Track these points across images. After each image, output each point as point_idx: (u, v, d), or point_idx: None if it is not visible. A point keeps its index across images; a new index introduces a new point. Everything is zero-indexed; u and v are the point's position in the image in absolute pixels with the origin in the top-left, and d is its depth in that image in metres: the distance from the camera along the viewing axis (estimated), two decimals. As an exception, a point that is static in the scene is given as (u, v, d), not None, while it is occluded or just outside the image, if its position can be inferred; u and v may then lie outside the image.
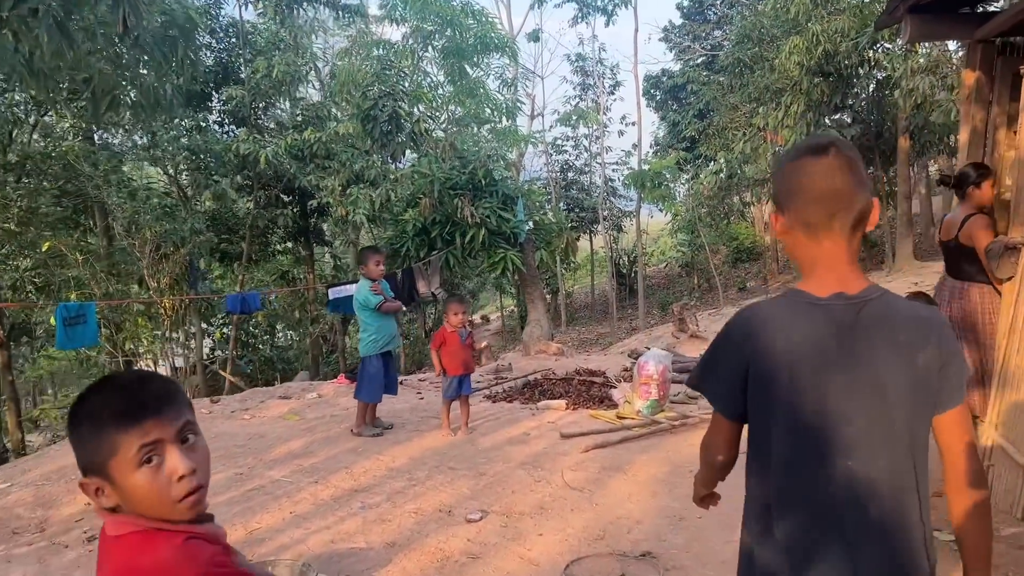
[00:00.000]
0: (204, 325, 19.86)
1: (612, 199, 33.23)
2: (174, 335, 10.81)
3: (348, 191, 14.09)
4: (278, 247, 19.61)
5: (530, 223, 14.05)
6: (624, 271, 34.59)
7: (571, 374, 9.13)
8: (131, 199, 9.95)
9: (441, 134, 15.38)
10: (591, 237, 34.38)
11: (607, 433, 6.69)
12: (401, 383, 10.29)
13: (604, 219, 31.60)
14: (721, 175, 25.63)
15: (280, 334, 22.55)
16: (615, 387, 8.30)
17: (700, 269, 30.54)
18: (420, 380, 10.47)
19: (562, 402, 7.92)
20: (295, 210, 17.62)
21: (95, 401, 1.37)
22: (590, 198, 32.67)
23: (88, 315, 9.14)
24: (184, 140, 12.20)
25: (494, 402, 8.37)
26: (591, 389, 8.39)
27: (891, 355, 1.58)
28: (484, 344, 6.80)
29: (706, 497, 2.06)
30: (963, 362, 1.64)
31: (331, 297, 11.70)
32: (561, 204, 32.68)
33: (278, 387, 10.50)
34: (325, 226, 19.97)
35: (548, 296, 34.40)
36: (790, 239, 1.69)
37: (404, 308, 7.03)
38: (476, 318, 38.53)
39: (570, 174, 33.96)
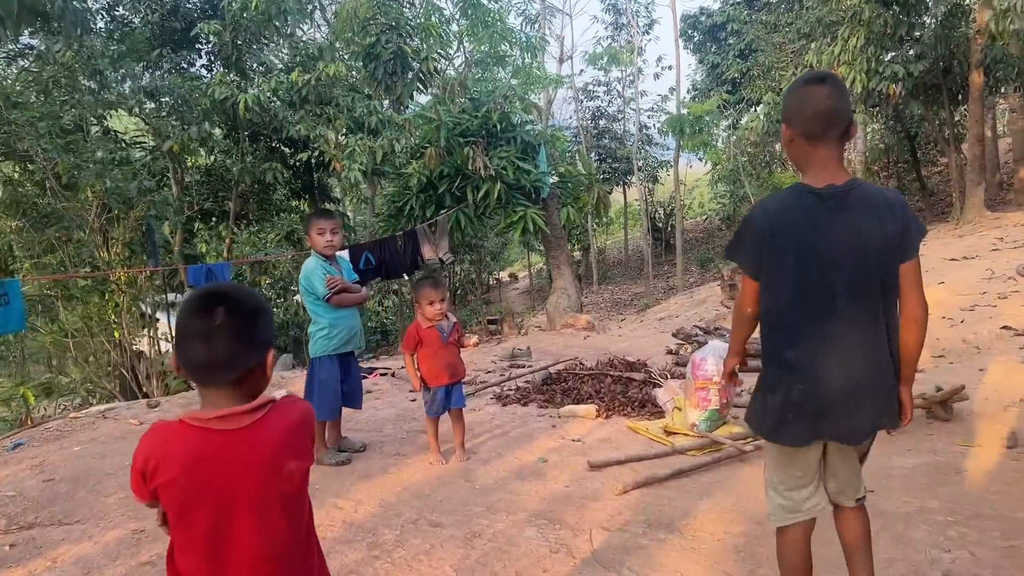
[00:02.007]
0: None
1: (647, 148, 31.22)
2: (130, 315, 9.15)
3: (345, 142, 12.23)
4: (281, 206, 17.84)
5: (554, 175, 12.09)
6: (660, 225, 32.67)
7: (603, 366, 7.25)
8: (65, 151, 8.22)
9: (453, 74, 13.38)
10: (625, 189, 32.44)
11: (652, 459, 4.93)
12: (392, 375, 8.52)
13: (639, 170, 29.55)
14: (767, 118, 23.37)
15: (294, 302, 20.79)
16: (660, 385, 6.44)
17: (743, 222, 28.23)
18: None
19: (591, 407, 6.09)
20: (298, 164, 15.80)
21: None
22: (624, 147, 30.61)
23: (10, 295, 7.48)
24: (142, 82, 10.38)
25: (504, 405, 6.57)
26: (628, 389, 6.53)
27: (869, 223, 2.36)
28: (474, 340, 4.84)
29: (733, 373, 3.00)
30: (920, 227, 2.39)
31: (318, 266, 9.92)
32: (592, 154, 30.63)
33: None
34: (334, 181, 18.17)
35: (579, 253, 32.56)
36: (794, 147, 2.49)
37: (371, 295, 5.20)
38: (504, 275, 36.86)
39: (602, 122, 31.98)
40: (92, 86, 8.96)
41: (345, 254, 5.55)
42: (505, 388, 7.12)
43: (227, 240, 13.81)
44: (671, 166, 29.17)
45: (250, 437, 1.70)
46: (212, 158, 16.74)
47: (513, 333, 15.50)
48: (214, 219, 16.25)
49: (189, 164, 17.13)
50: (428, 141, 11.19)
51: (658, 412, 5.99)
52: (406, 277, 11.17)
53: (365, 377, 7.70)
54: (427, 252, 10.60)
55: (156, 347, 10.50)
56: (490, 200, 11.01)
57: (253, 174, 12.67)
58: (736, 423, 5.55)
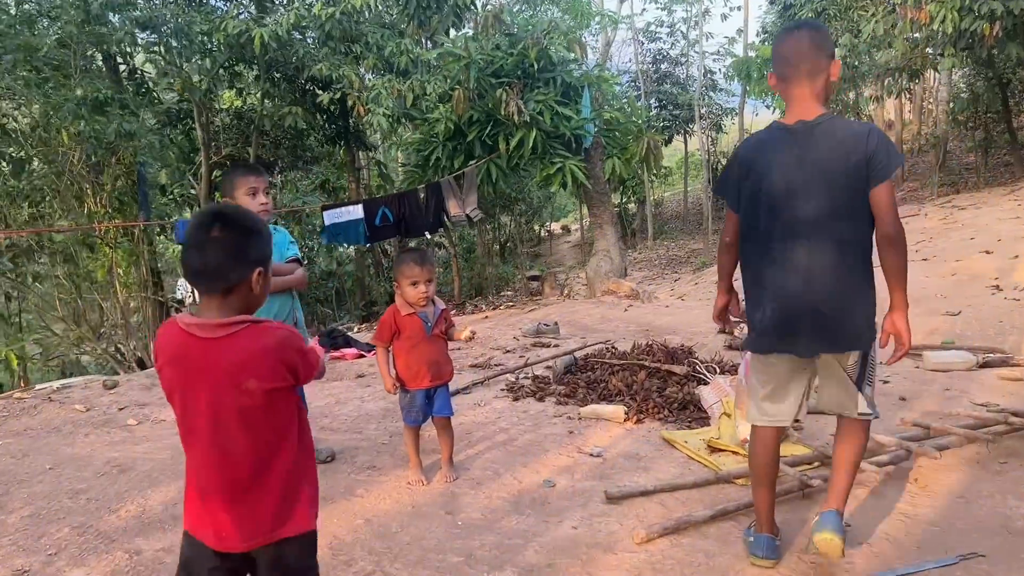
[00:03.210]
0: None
1: (711, 94, 29.30)
2: (129, 274, 8.30)
3: (371, 84, 11.07)
4: (314, 153, 16.88)
5: (598, 122, 10.77)
6: (722, 177, 30.77)
7: (638, 353, 6.06)
8: (33, 88, 7.27)
9: (492, 6, 12.05)
10: (686, 138, 30.64)
11: (690, 489, 3.82)
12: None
13: (701, 117, 27.70)
14: (843, 62, 21.46)
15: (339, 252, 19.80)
16: (706, 381, 5.27)
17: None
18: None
19: (619, 409, 4.95)
20: (332, 108, 14.76)
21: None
22: (686, 93, 28.81)
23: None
24: (134, 12, 9.31)
25: (516, 399, 5.48)
26: (667, 385, 5.36)
27: (833, 154, 2.58)
28: (467, 332, 3.61)
29: (723, 311, 3.22)
30: (893, 154, 2.56)
31: (327, 222, 8.90)
32: (652, 101, 28.90)
33: None
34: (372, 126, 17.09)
35: (633, 205, 31.04)
36: (777, 89, 2.76)
37: (306, 283, 3.99)
38: (555, 227, 35.58)
39: (663, 66, 30.15)
40: (77, 16, 7.97)
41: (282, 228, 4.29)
42: (521, 376, 6.02)
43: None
44: (736, 114, 27.35)
45: (218, 348, 1.86)
46: (241, 100, 15.82)
47: (554, 294, 14.37)
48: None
49: (225, 107, 16.26)
50: (457, 82, 9.95)
51: (702, 418, 4.84)
52: (428, 236, 10.08)
53: (339, 356, 6.60)
54: (452, 208, 9.49)
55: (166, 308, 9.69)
56: (524, 150, 9.77)
57: (273, 118, 11.61)
58: (801, 441, 4.38)
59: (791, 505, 3.58)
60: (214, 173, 12.44)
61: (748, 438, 4.31)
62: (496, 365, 6.57)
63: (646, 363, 5.58)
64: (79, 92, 7.64)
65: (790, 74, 2.65)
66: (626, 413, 4.93)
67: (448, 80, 10.36)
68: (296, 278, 4.07)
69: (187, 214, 10.90)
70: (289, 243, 4.06)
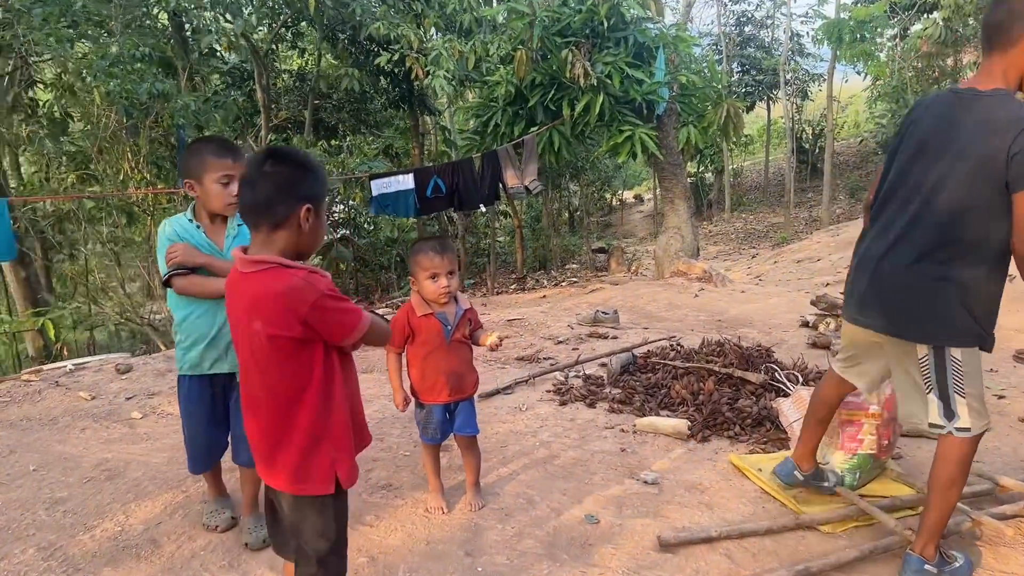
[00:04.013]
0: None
1: (798, 58, 27.70)
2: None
3: (431, 44, 10.38)
4: (378, 117, 16.33)
5: (673, 86, 9.85)
6: (807, 146, 29.38)
7: (708, 352, 5.28)
8: (65, 43, 6.78)
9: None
10: (769, 105, 29.17)
11: (762, 536, 3.14)
12: None
13: (786, 83, 26.17)
14: (945, 26, 19.85)
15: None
16: (787, 392, 4.49)
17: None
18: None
19: (681, 423, 4.23)
20: (396, 71, 14.16)
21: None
22: (770, 57, 27.28)
23: (-2, 217, 6.32)
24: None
25: (563, 403, 4.79)
26: (740, 395, 4.59)
27: (977, 133, 2.35)
28: (493, 338, 2.89)
29: None
30: None
31: (374, 192, 8.31)
32: (734, 65, 27.46)
33: None
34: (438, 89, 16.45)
35: (711, 175, 29.75)
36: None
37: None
38: (628, 195, 34.52)
39: (747, 28, 28.55)
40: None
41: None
42: (571, 374, 5.33)
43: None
44: (824, 80, 25.70)
45: (244, 283, 1.92)
46: (304, 62, 15.35)
47: (621, 269, 13.59)
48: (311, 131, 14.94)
49: (287, 68, 15.84)
50: (520, 42, 9.18)
51: (781, 439, 4.09)
52: (483, 209, 9.40)
53: None
54: (510, 179, 8.78)
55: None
56: (591, 116, 8.97)
57: (329, 80, 11.04)
58: (902, 478, 3.59)
59: (893, 565, 2.86)
60: (287, 136, 12.00)
61: (837, 471, 3.58)
62: (545, 359, 5.89)
63: (715, 367, 4.81)
64: (114, 49, 7.22)
65: (984, 44, 2.48)
66: (689, 429, 4.21)
67: (512, 40, 9.60)
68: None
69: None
70: (246, 238, 3.37)
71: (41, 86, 8.22)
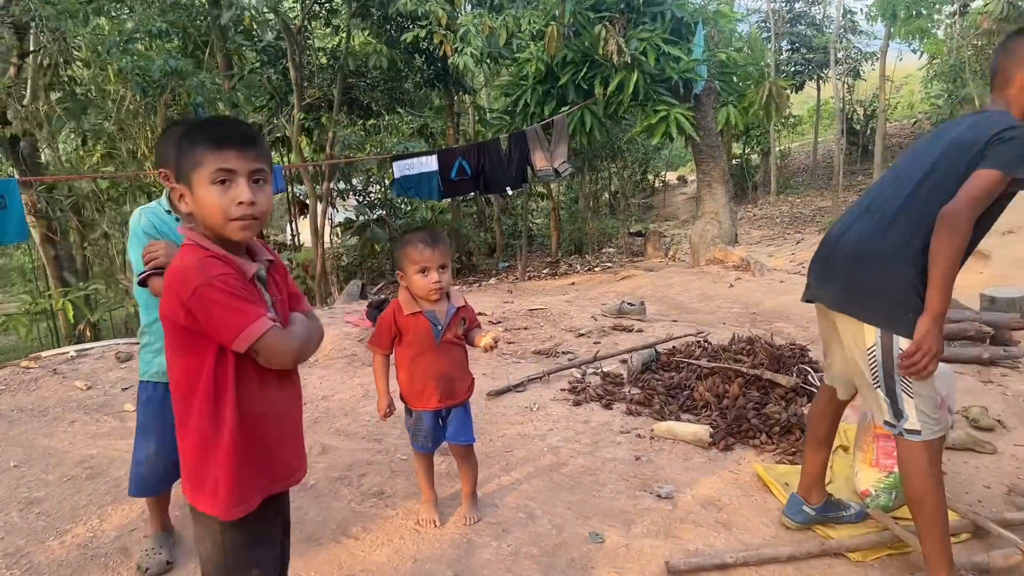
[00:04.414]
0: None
1: (850, 36, 26.68)
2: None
3: (460, 19, 10.04)
4: (412, 96, 16.05)
5: (712, 64, 9.38)
6: (857, 128, 28.38)
7: (737, 349, 4.91)
8: (79, 19, 6.58)
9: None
10: (819, 84, 28.21)
11: (784, 563, 2.83)
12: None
13: (837, 62, 25.24)
14: (1007, 1, 18.89)
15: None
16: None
17: (960, 129, 23.52)
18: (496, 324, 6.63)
19: (702, 430, 3.90)
20: (430, 48, 13.86)
21: (195, 127, 1.72)
22: (821, 35, 26.35)
23: (8, 197, 6.18)
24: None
25: (577, 403, 4.49)
26: (768, 400, 4.23)
27: (965, 128, 2.39)
28: (489, 338, 2.57)
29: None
30: (1014, 146, 2.22)
31: (397, 174, 8.04)
32: (783, 43, 26.58)
33: None
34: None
35: (757, 156, 28.94)
36: None
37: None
38: (671, 177, 33.83)
39: (798, 4, 27.55)
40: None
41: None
42: (588, 372, 5.01)
43: (330, 133, 12.15)
44: (877, 58, 24.75)
45: None
46: (337, 39, 15.12)
47: (657, 255, 13.18)
48: (344, 110, 14.71)
49: (328, 46, 15.60)
50: (552, 17, 8.80)
51: (810, 450, 3.72)
52: (510, 192, 9.08)
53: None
54: (538, 161, 8.44)
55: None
56: (624, 95, 8.57)
57: (359, 57, 10.78)
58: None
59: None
60: (320, 115, 11.80)
61: (870, 490, 3.24)
62: (564, 353, 5.58)
63: (743, 368, 4.45)
64: (129, 25, 7.04)
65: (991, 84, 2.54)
66: (711, 436, 3.88)
67: (544, 15, 9.22)
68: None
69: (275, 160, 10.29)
70: None
71: (79, 64, 8.10)
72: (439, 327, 2.91)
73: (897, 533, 2.87)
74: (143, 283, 2.58)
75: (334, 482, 3.57)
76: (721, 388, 4.37)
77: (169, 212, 2.68)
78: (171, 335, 1.72)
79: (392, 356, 3.05)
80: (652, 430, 4.03)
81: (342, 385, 4.92)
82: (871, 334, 2.42)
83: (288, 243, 20.29)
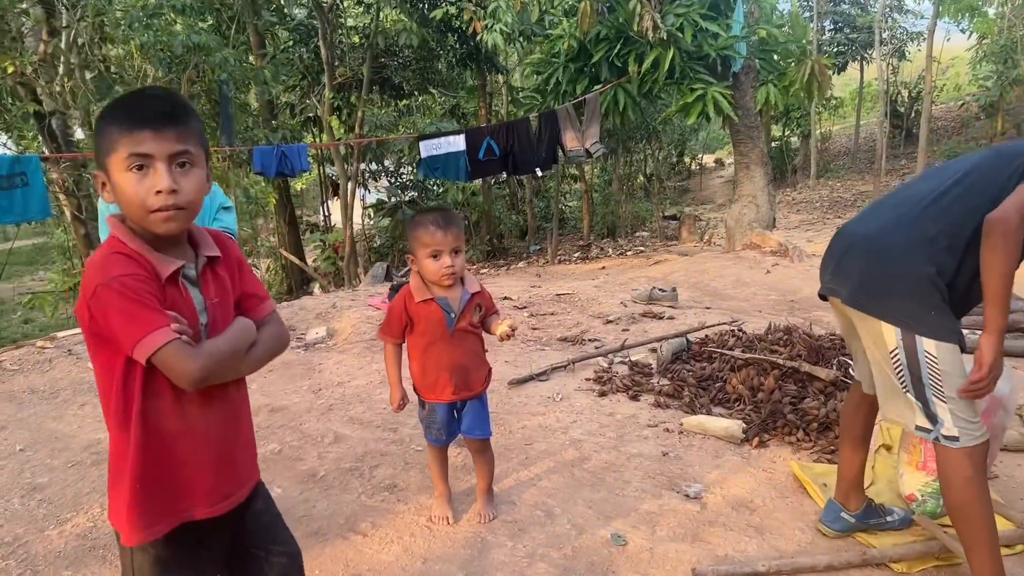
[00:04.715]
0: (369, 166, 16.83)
1: (895, 15, 25.85)
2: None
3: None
4: (444, 76, 15.86)
5: (751, 40, 9.03)
6: (901, 110, 27.58)
7: (773, 340, 4.66)
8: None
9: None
10: (862, 65, 27.47)
11: (820, 574, 2.62)
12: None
13: (882, 42, 24.46)
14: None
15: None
16: (860, 392, 3.86)
17: (1008, 112, 22.74)
18: (519, 309, 6.43)
19: (735, 425, 3.67)
20: (462, 26, 13.64)
21: (111, 105, 1.48)
22: (866, 14, 25.57)
23: (29, 174, 6.11)
24: None
25: (603, 394, 4.28)
26: (805, 394, 3.99)
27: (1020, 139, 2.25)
28: (505, 327, 2.37)
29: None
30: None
31: (423, 154, 7.85)
32: (826, 22, 25.87)
33: (297, 302, 6.95)
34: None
35: (796, 139, 28.29)
36: None
37: None
38: (708, 160, 33.27)
39: (842, -18, 26.79)
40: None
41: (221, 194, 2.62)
42: (616, 361, 4.79)
43: (359, 112, 11.99)
44: (924, 38, 23.98)
45: None
46: (369, 17, 14.96)
47: (692, 239, 12.87)
48: (375, 90, 14.56)
49: (361, 24, 15.44)
50: (585, -8, 8.52)
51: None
52: (539, 173, 8.84)
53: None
54: (569, 141, 8.20)
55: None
56: (660, 73, 8.28)
57: (389, 36, 10.59)
58: (997, 506, 2.97)
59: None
60: (350, 95, 11.67)
61: (916, 495, 3.02)
62: (590, 340, 5.37)
63: (780, 360, 4.21)
64: (152, 0, 6.92)
65: None
66: (744, 432, 3.65)
67: (575, -10, 8.95)
68: None
69: (278, 140, 10.18)
70: (219, 208, 2.78)
71: (107, 42, 8.01)
72: (452, 315, 2.73)
73: (945, 543, 2.64)
74: None
75: (345, 473, 3.41)
76: (756, 380, 4.13)
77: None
78: (85, 337, 1.54)
79: (405, 345, 2.88)
80: (681, 424, 3.82)
81: (359, 371, 4.77)
82: (891, 334, 2.23)
83: (321, 224, 20.30)
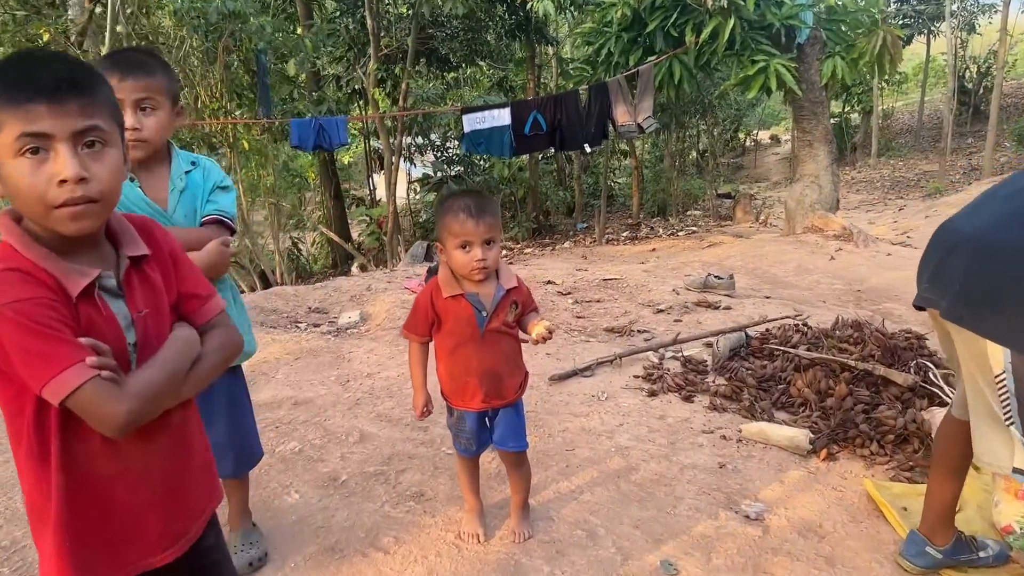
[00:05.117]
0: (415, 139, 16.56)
1: (967, -13, 24.67)
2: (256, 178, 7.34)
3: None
4: (492, 48, 15.45)
5: (818, 10, 8.48)
6: (969, 86, 26.34)
7: (842, 336, 4.24)
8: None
9: None
10: (929, 39, 26.26)
11: None
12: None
13: (951, 15, 23.31)
14: None
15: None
16: (945, 399, 3.46)
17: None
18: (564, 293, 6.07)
19: (800, 435, 3.30)
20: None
21: None
22: (935, -15, 24.38)
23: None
24: None
25: (653, 394, 3.93)
26: (880, 399, 3.59)
27: None
28: (541, 329, 2.01)
29: None
30: None
31: (467, 129, 7.51)
32: (892, -7, 24.79)
33: (331, 282, 6.68)
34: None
35: (857, 115, 27.28)
36: None
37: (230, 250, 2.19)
38: (763, 135, 32.34)
39: (911, -49, 25.61)
40: None
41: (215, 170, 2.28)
42: (667, 356, 4.42)
43: (403, 84, 11.68)
44: (996, 10, 22.80)
45: None
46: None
47: (747, 219, 12.36)
48: (422, 62, 14.23)
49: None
50: (640, -43, 8.05)
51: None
52: (588, 149, 8.43)
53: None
54: (620, 115, 7.78)
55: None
56: (719, 43, 7.80)
57: (434, 4, 10.24)
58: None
59: None
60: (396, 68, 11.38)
61: (1014, 526, 2.62)
62: (639, 332, 5.00)
63: (851, 362, 3.80)
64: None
65: None
66: (811, 443, 3.28)
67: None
68: (199, 259, 2.05)
69: (323, 113, 9.93)
70: (214, 188, 2.27)
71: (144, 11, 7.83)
72: (483, 313, 2.39)
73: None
74: None
75: (368, 479, 3.13)
76: (824, 383, 3.73)
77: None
78: None
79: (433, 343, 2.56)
80: (740, 431, 3.46)
81: (390, 361, 4.48)
82: (998, 355, 1.85)
83: (367, 198, 20.13)
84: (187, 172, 2.25)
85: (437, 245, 2.44)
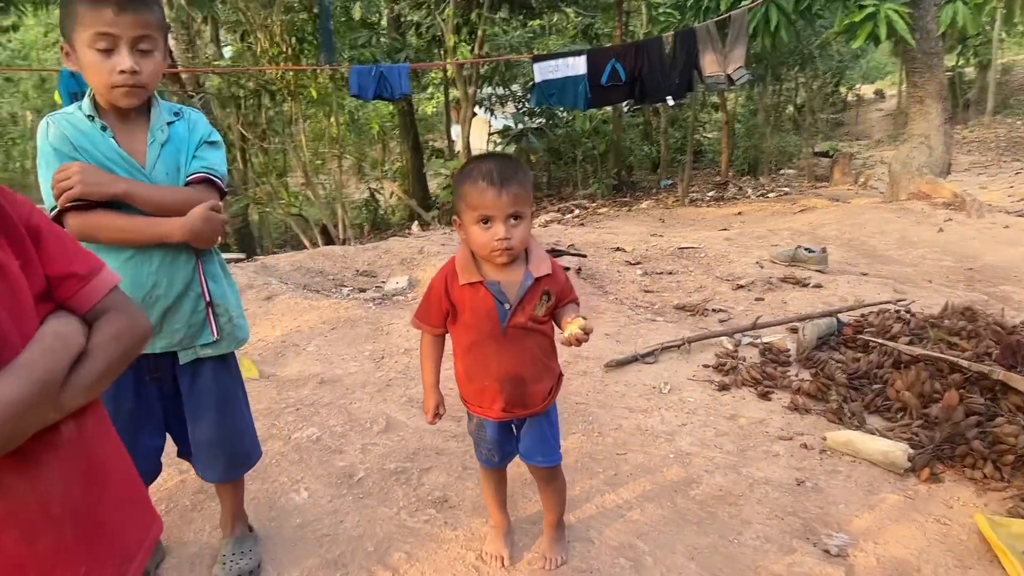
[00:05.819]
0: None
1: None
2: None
3: None
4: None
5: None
6: (1104, 38, 23.97)
7: (951, 332, 3.62)
8: None
9: None
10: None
11: None
12: (577, 271, 5.27)
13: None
14: None
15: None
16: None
17: None
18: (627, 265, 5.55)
19: (898, 450, 2.77)
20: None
21: None
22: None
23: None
24: None
25: (723, 388, 3.43)
26: (998, 408, 3.00)
27: None
28: (575, 329, 1.55)
29: None
30: None
31: (538, 78, 6.99)
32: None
33: (383, 243, 6.28)
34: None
35: (972, 69, 25.26)
36: None
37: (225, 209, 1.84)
38: (866, 90, 30.44)
39: None
40: None
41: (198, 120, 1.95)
42: (744, 342, 3.90)
43: (480, 31, 11.15)
44: None
45: None
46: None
47: (845, 181, 11.46)
48: (502, 7, 13.60)
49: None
50: None
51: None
52: (671, 102, 7.77)
53: None
54: (709, 65, 7.10)
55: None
56: (822, -13, 7.01)
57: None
58: None
59: None
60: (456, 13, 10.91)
61: None
62: (714, 311, 4.47)
63: (962, 361, 3.21)
64: None
65: None
66: (911, 459, 2.75)
67: None
68: (184, 223, 1.81)
69: (386, 61, 9.52)
70: (201, 142, 1.92)
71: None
72: (506, 305, 1.95)
73: None
74: (58, 222, 1.77)
75: (388, 477, 2.77)
76: (928, 386, 3.16)
77: (92, 117, 1.80)
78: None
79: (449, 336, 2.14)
80: (824, 439, 2.95)
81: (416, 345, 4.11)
82: None
83: (445, 150, 19.78)
84: (169, 123, 1.90)
85: (455, 219, 2.00)
